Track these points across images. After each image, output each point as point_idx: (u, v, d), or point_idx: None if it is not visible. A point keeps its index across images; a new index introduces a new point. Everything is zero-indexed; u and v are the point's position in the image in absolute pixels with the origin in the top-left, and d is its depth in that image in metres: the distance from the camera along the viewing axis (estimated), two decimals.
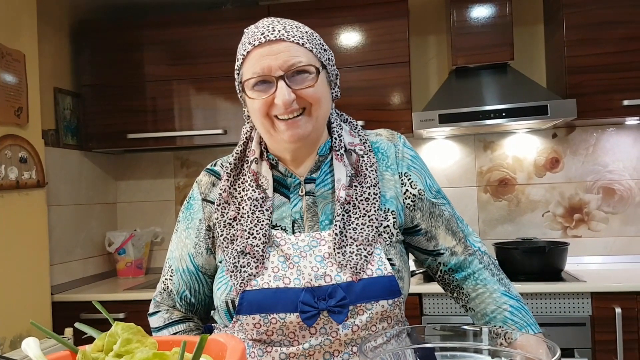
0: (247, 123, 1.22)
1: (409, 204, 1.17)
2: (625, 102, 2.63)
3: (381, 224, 1.12)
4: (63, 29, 3.03)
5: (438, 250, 1.20)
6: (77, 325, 0.86)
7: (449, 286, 1.24)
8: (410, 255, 1.26)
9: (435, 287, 2.46)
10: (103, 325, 0.79)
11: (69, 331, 2.35)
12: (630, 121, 2.92)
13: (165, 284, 1.24)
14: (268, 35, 1.07)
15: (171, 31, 2.98)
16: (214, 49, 2.93)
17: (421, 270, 2.69)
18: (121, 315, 2.57)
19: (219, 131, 2.91)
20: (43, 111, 2.67)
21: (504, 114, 2.62)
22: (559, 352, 0.70)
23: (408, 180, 1.18)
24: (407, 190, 1.18)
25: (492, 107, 2.64)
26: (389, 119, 2.78)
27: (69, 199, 2.97)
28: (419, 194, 1.18)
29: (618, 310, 2.32)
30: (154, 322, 1.24)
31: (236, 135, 2.90)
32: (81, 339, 0.99)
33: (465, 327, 0.84)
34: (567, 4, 2.70)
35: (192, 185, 1.25)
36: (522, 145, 3.10)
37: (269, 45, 1.07)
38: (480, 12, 2.81)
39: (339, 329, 1.05)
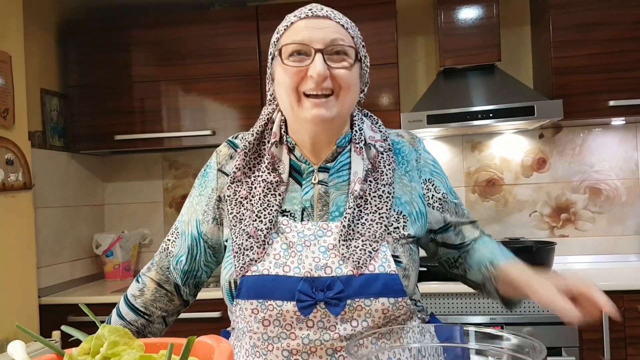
0: (270, 105, 1.21)
1: (437, 207, 1.20)
2: (611, 103, 2.65)
3: (391, 224, 1.11)
4: (49, 30, 3.01)
5: (464, 242, 1.24)
6: (63, 328, 0.85)
7: (456, 263, 1.28)
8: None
9: (430, 287, 2.47)
10: (91, 328, 0.79)
11: (56, 334, 2.33)
12: (616, 121, 2.95)
13: (166, 244, 1.27)
14: (316, 11, 1.09)
15: (159, 31, 2.97)
16: (203, 49, 2.93)
17: None
18: None
19: (208, 132, 2.90)
20: (29, 112, 2.65)
21: (491, 115, 2.64)
22: (544, 351, 0.70)
23: (432, 185, 1.20)
24: (432, 195, 1.20)
25: (479, 108, 2.65)
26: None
27: (56, 201, 2.95)
28: (443, 197, 1.21)
29: None
30: (130, 287, 1.28)
31: (224, 136, 2.89)
32: (68, 341, 0.99)
33: (454, 327, 0.85)
34: (554, 5, 2.72)
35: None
36: (509, 145, 3.11)
37: (315, 19, 1.08)
38: (467, 14, 2.82)
39: (337, 323, 1.04)
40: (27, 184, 2.56)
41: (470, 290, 2.42)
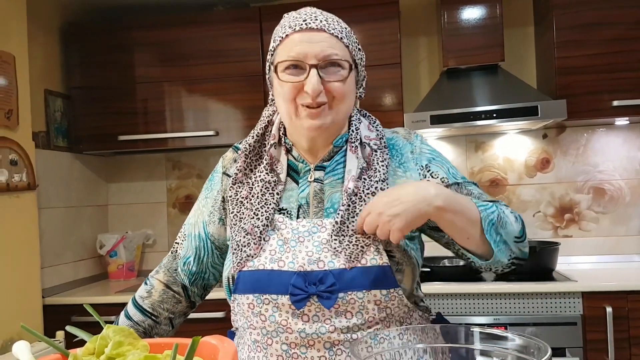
0: (270, 106, 1.24)
1: None
2: (615, 103, 2.64)
3: None
4: (53, 31, 3.02)
5: None
6: (68, 328, 0.86)
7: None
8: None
9: (434, 287, 2.46)
10: (95, 328, 0.79)
11: (60, 334, 2.34)
12: (620, 121, 2.94)
13: (174, 247, 1.30)
14: (310, 23, 1.10)
15: (162, 32, 2.97)
16: (205, 50, 2.93)
17: None
18: (113, 318, 2.49)
19: (211, 133, 2.91)
20: (33, 113, 2.66)
21: (494, 115, 2.63)
22: (549, 352, 0.70)
23: (429, 172, 1.18)
24: (430, 180, 1.17)
25: (483, 108, 2.65)
26: (381, 121, 2.77)
27: (60, 201, 2.95)
28: (442, 182, 1.17)
29: (609, 309, 2.33)
30: (139, 290, 1.30)
31: (227, 136, 2.90)
32: (72, 342, 1.00)
33: (459, 327, 0.85)
34: (557, 5, 2.71)
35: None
36: (512, 145, 3.11)
37: (309, 33, 1.09)
38: (470, 14, 2.82)
39: (331, 317, 1.06)
40: (31, 185, 2.57)
41: (474, 290, 2.43)
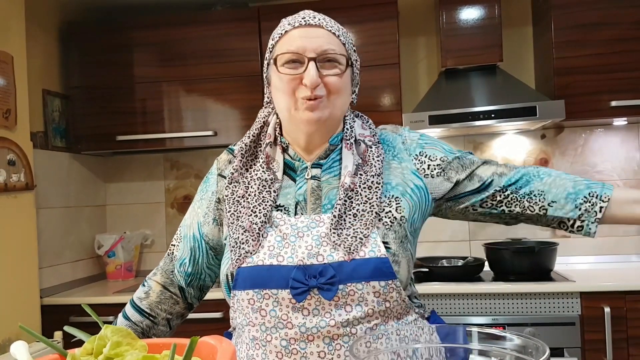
0: (265, 108, 1.27)
1: (437, 173, 1.22)
2: (613, 103, 2.65)
3: (383, 210, 1.15)
4: (51, 31, 3.01)
5: (484, 181, 1.23)
6: (66, 328, 0.85)
7: (520, 203, 1.30)
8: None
9: (432, 287, 2.46)
10: (93, 329, 0.79)
11: (58, 334, 2.34)
12: (618, 122, 2.94)
13: (171, 249, 1.32)
14: (308, 20, 1.15)
15: (161, 32, 2.97)
16: (204, 50, 2.93)
17: (414, 270, 2.69)
18: (111, 318, 2.54)
19: (209, 133, 2.91)
20: (31, 113, 2.66)
21: (493, 115, 2.64)
22: (548, 352, 0.70)
23: (425, 157, 1.23)
24: (429, 165, 1.22)
25: (481, 109, 2.65)
26: (379, 121, 2.73)
27: (58, 202, 2.95)
28: (443, 161, 1.23)
29: (607, 309, 2.33)
30: (136, 291, 1.32)
31: (226, 136, 2.90)
32: (70, 342, 1.00)
33: (457, 327, 0.85)
34: (556, 5, 2.72)
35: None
36: (511, 146, 3.11)
37: (308, 28, 1.15)
38: (469, 14, 2.82)
39: (331, 310, 1.07)
40: (29, 185, 2.57)
41: (472, 290, 2.43)
